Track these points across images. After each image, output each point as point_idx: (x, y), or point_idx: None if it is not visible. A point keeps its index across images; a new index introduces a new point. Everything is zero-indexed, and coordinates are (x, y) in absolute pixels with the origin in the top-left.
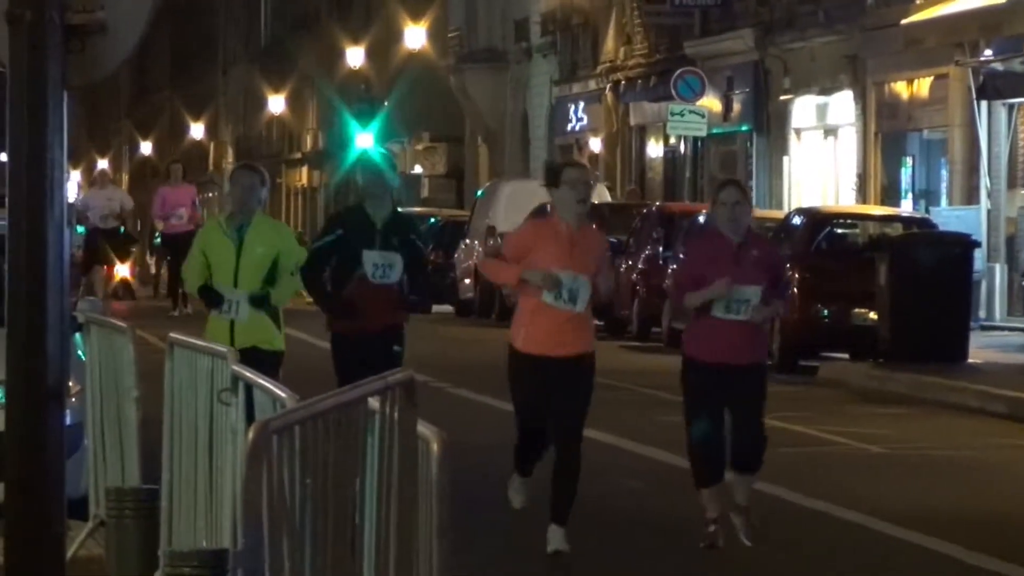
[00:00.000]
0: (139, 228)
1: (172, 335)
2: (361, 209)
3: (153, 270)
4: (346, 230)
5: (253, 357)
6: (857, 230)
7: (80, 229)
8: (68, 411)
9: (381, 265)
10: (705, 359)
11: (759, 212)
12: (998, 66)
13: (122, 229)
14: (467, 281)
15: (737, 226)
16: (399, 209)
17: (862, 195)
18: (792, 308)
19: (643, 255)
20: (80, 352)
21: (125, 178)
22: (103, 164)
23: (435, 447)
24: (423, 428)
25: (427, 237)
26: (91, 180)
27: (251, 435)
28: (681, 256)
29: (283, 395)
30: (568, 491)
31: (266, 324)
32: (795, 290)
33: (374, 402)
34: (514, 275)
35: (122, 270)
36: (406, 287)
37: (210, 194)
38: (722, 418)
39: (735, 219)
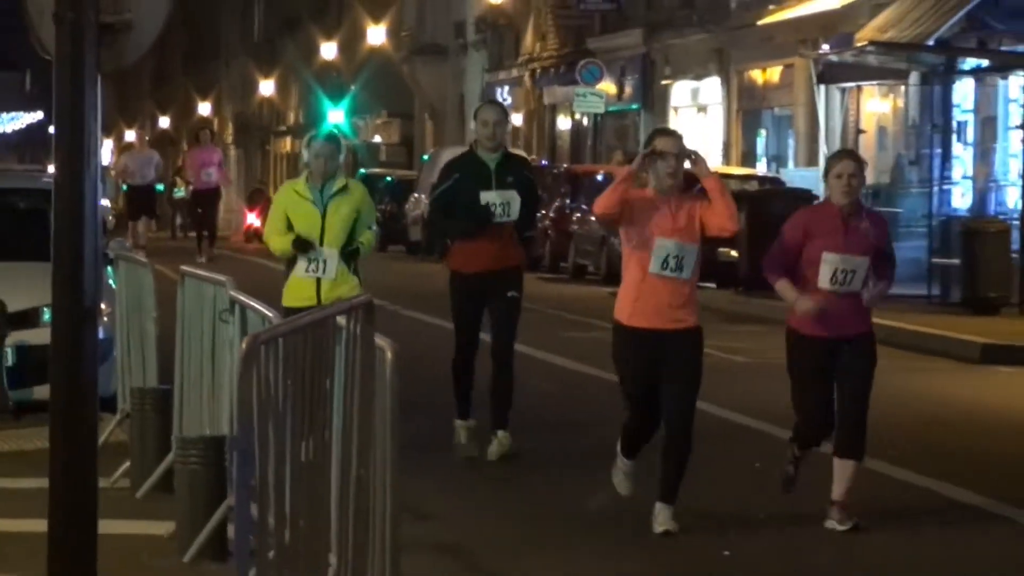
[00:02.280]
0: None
1: (183, 267)
2: (473, 155)
3: (178, 219)
4: (462, 174)
5: None
6: None
7: (124, 187)
8: (101, 328)
9: (500, 204)
10: (810, 332)
11: None
12: (833, 58)
13: (160, 187)
14: (416, 226)
15: (850, 197)
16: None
17: (726, 159)
18: None
19: (554, 206)
20: (112, 281)
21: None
22: (130, 134)
23: (389, 355)
24: (380, 340)
25: (397, 191)
26: (125, 147)
27: (244, 346)
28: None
29: (270, 314)
30: (677, 469)
31: (349, 278)
32: None
33: (341, 320)
34: (618, 193)
35: (253, 220)
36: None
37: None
38: (831, 394)
39: (849, 192)
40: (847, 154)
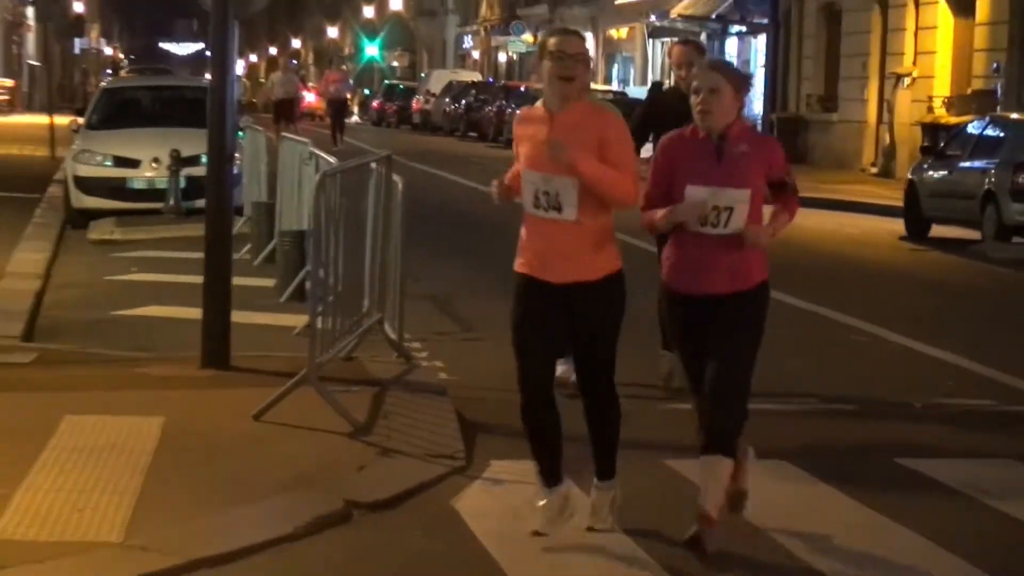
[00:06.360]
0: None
1: (284, 134)
2: (677, 88)
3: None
4: (662, 104)
5: None
6: None
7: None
8: (235, 166)
9: None
10: (678, 288)
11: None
12: (657, 23)
13: (306, 94)
14: (416, 114)
15: (706, 117)
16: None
17: (595, 81)
18: None
19: (496, 104)
20: (242, 140)
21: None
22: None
23: (400, 186)
24: (396, 177)
25: (394, 92)
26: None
27: (317, 177)
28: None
29: (332, 160)
30: (608, 438)
31: None
32: None
33: (374, 165)
34: (503, 186)
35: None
36: None
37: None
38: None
39: (705, 110)
40: (708, 65)
